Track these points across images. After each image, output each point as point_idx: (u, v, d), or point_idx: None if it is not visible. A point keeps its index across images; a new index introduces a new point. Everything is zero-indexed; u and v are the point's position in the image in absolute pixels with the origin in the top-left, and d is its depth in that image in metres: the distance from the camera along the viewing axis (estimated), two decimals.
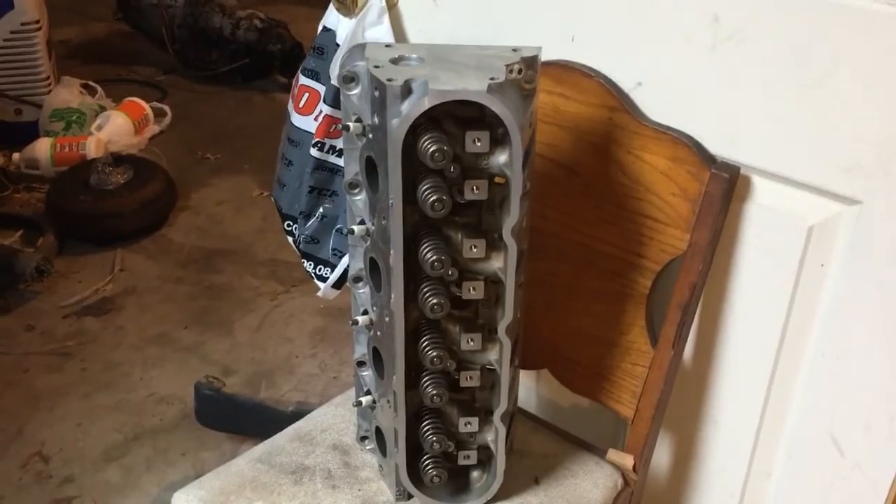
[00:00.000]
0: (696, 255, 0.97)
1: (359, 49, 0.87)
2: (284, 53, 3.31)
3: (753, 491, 1.13)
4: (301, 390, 1.92)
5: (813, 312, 0.97)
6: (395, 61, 0.84)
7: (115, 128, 2.78)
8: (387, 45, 0.87)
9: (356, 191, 0.93)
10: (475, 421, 0.98)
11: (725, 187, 0.93)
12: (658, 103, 0.97)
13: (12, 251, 2.15)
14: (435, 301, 0.88)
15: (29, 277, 2.11)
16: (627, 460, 1.09)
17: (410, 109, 0.78)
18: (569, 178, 1.05)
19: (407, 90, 0.79)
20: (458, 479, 1.03)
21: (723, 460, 1.14)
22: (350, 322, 1.01)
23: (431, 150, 0.80)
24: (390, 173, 0.82)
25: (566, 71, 1.02)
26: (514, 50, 0.85)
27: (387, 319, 0.92)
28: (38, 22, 2.75)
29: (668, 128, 0.96)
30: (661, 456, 1.20)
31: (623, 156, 1.00)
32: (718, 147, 0.95)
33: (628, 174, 1.00)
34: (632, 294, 1.04)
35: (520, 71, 0.83)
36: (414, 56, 0.85)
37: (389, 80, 0.79)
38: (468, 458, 1.01)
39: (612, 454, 1.10)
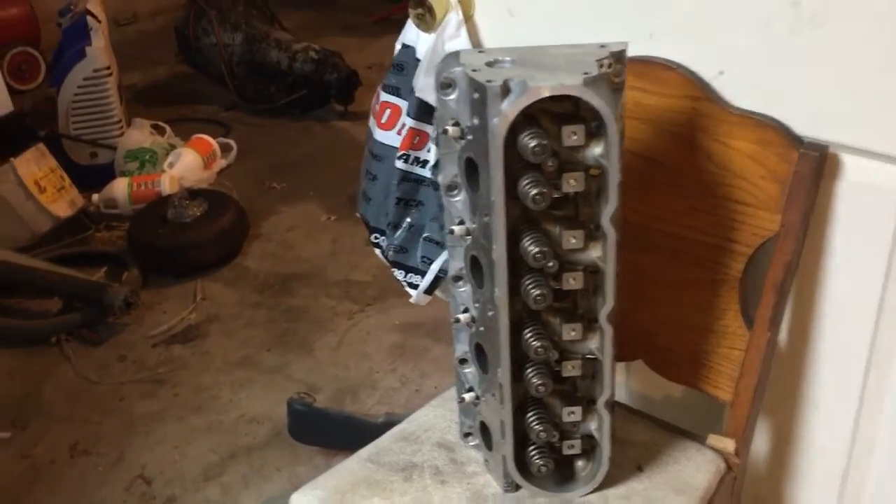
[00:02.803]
0: (788, 235, 0.99)
1: (453, 57, 0.92)
2: (341, 82, 3.40)
3: (856, 469, 1.14)
4: (385, 403, 1.96)
5: None
6: (490, 64, 0.88)
7: (186, 164, 2.87)
8: (479, 51, 0.91)
9: (454, 192, 0.97)
10: (578, 410, 1.01)
11: (815, 166, 0.95)
12: (741, 90, 1.00)
13: (102, 286, 2.24)
14: (538, 292, 0.91)
15: (118, 310, 2.19)
16: (728, 444, 1.10)
17: (510, 107, 0.82)
18: (652, 169, 1.08)
19: (506, 90, 0.83)
20: (563, 470, 1.06)
21: (823, 441, 1.15)
22: (452, 321, 1.05)
23: (532, 144, 0.84)
24: (492, 170, 0.86)
25: (646, 66, 1.05)
26: (602, 46, 0.89)
27: (490, 314, 0.96)
28: (108, 68, 2.87)
29: (753, 112, 0.99)
30: (760, 440, 1.21)
31: (709, 143, 1.02)
32: (804, 128, 0.97)
33: (715, 161, 1.02)
34: (724, 279, 1.06)
35: (609, 65, 0.87)
36: (507, 59, 0.89)
37: (489, 81, 0.83)
38: (572, 447, 1.04)
39: (713, 439, 1.11)
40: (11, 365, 2.15)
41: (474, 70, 0.86)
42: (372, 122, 1.35)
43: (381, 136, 1.33)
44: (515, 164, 0.88)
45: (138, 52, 4.17)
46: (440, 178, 1.24)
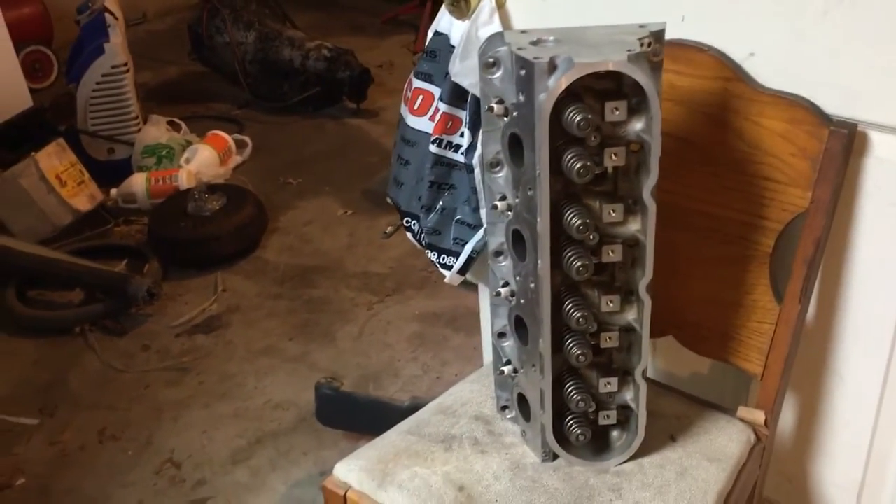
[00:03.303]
0: (819, 210, 1.02)
1: (497, 38, 0.95)
2: (353, 80, 3.43)
3: (881, 443, 1.17)
4: (407, 390, 1.99)
5: None
6: (534, 43, 0.92)
7: (203, 160, 2.91)
8: (522, 31, 0.95)
9: (497, 168, 1.00)
10: (615, 381, 1.04)
11: (845, 143, 0.99)
12: (772, 70, 1.03)
13: (125, 277, 2.27)
14: (580, 263, 0.95)
15: (141, 301, 2.23)
16: (758, 416, 1.14)
17: (557, 83, 0.86)
18: (685, 149, 1.12)
19: (552, 66, 0.87)
20: (598, 441, 1.09)
21: (849, 414, 1.18)
22: (492, 294, 1.08)
23: (577, 119, 0.87)
24: (538, 145, 0.89)
25: (679, 49, 1.09)
26: (642, 26, 0.93)
27: (532, 286, 0.99)
28: (126, 64, 2.91)
29: (784, 92, 1.02)
30: (787, 414, 1.24)
31: (740, 123, 1.06)
32: (834, 106, 1.01)
33: (746, 140, 1.06)
34: (755, 255, 1.10)
35: (649, 44, 0.91)
36: (551, 38, 0.93)
37: (536, 58, 0.87)
38: (608, 417, 1.07)
39: (743, 411, 1.15)
40: (36, 354, 2.19)
41: (520, 49, 0.90)
42: (404, 108, 1.38)
43: (413, 121, 1.36)
44: (559, 139, 0.91)
45: (149, 51, 4.21)
46: (475, 159, 1.29)
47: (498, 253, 1.06)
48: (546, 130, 0.88)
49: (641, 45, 0.89)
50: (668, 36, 1.08)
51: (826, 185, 1.01)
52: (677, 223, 1.15)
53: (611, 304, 1.00)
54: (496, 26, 1.24)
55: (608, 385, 1.05)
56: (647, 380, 1.23)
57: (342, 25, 4.57)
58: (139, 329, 2.26)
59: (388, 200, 1.47)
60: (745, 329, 1.13)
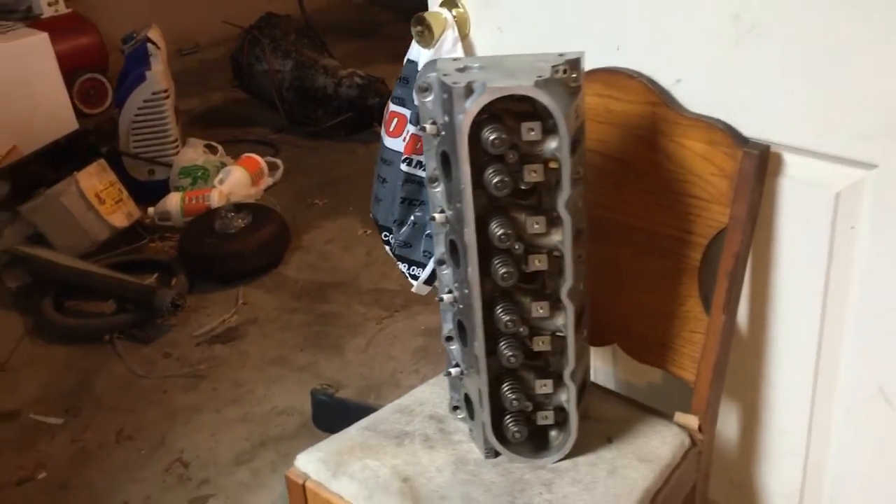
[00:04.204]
0: (736, 226, 1.09)
1: (431, 64, 1.05)
2: (383, 106, 3.55)
3: (816, 448, 1.22)
4: None
5: (850, 272, 1.07)
6: (460, 70, 1.01)
7: (235, 181, 3.07)
8: (454, 59, 1.05)
9: (435, 184, 1.10)
10: (550, 383, 1.12)
11: (757, 163, 1.06)
12: (695, 96, 1.11)
13: (151, 289, 2.42)
14: (505, 270, 1.04)
15: (166, 312, 2.38)
16: (692, 421, 1.20)
17: (472, 105, 0.95)
18: (621, 169, 1.20)
19: (469, 90, 0.96)
20: (538, 440, 1.17)
21: (785, 422, 1.23)
22: (437, 299, 1.17)
23: (492, 137, 0.97)
24: (460, 162, 0.99)
25: (614, 76, 1.17)
26: (560, 55, 1.02)
27: (466, 292, 1.08)
28: (166, 91, 3.10)
29: (704, 116, 1.10)
30: (729, 423, 1.30)
31: (667, 144, 1.14)
32: (749, 129, 1.08)
33: (673, 160, 1.14)
34: (685, 268, 1.17)
35: (565, 71, 1.00)
36: (476, 65, 1.02)
37: (455, 83, 0.97)
38: (546, 417, 1.15)
39: (679, 416, 1.21)
40: (68, 359, 2.35)
41: (445, 74, 1.00)
42: (382, 130, 1.49)
43: (389, 142, 1.47)
44: (482, 157, 1.00)
45: (198, 79, 4.44)
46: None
47: (441, 262, 1.15)
48: (465, 148, 0.98)
49: (556, 71, 0.98)
50: (605, 63, 1.18)
51: (742, 203, 1.08)
52: (618, 239, 1.23)
53: (541, 311, 1.08)
54: (459, 55, 1.34)
55: (544, 387, 1.12)
56: (597, 387, 1.31)
57: (382, 54, 4.72)
58: (163, 338, 2.41)
59: (371, 216, 1.57)
60: (680, 339, 1.20)
